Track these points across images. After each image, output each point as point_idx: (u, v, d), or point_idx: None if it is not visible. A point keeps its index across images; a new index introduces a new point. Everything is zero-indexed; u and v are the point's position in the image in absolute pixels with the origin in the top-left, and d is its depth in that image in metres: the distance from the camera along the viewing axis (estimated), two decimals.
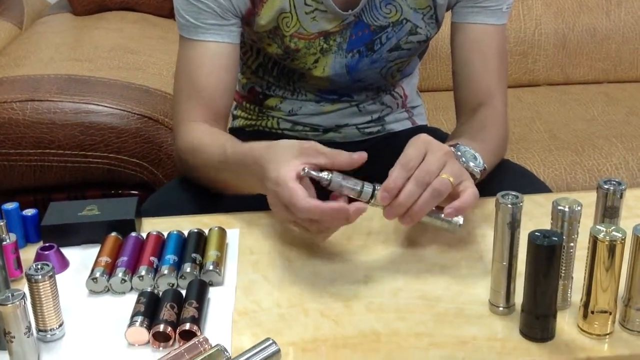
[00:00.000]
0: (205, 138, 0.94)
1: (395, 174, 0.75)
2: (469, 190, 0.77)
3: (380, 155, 0.88)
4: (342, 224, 0.77)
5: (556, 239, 0.65)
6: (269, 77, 1.14)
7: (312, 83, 1.11)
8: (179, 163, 1.02)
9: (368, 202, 0.76)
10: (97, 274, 0.77)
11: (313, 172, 0.75)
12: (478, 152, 0.86)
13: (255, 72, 1.15)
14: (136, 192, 1.39)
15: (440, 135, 1.03)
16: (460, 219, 0.78)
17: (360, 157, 0.77)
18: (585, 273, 0.68)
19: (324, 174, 0.75)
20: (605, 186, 0.74)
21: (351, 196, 0.76)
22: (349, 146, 1.17)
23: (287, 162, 0.76)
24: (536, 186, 1.03)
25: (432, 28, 1.07)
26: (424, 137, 0.79)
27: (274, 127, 1.18)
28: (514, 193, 0.69)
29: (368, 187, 0.76)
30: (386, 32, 1.05)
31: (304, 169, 0.74)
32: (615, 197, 0.73)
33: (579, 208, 0.68)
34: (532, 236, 0.65)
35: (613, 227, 0.65)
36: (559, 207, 0.68)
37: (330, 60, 1.06)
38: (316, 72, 1.08)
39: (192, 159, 0.95)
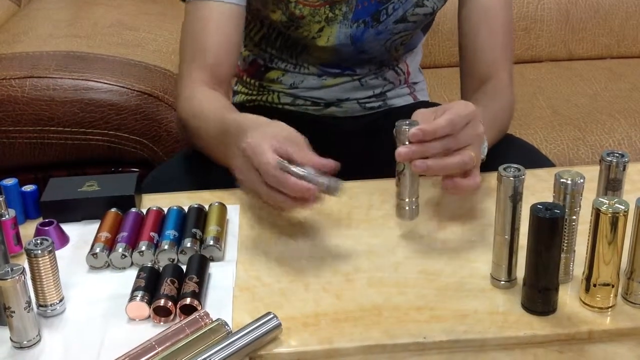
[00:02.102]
0: (205, 103, 0.94)
1: (442, 123, 0.74)
2: (475, 179, 0.78)
3: (380, 129, 0.87)
4: (301, 204, 0.75)
5: (558, 211, 0.64)
6: (272, 50, 1.13)
7: (315, 55, 1.10)
8: (179, 127, 1.01)
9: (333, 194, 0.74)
10: (97, 250, 0.76)
11: (289, 166, 0.73)
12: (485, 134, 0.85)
13: (258, 45, 1.14)
14: (136, 170, 1.38)
15: None
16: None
17: (329, 165, 0.74)
18: (587, 246, 0.67)
19: (298, 169, 0.73)
20: (608, 158, 0.73)
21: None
22: (349, 121, 1.17)
23: (269, 137, 0.75)
24: (539, 161, 1.02)
25: (439, 0, 1.06)
26: (476, 109, 0.78)
27: (275, 101, 1.17)
28: (516, 165, 0.68)
29: (334, 183, 0.73)
30: (392, 3, 1.04)
31: (280, 161, 0.73)
32: (618, 169, 0.73)
33: (582, 180, 0.68)
34: (534, 209, 0.65)
35: (616, 200, 0.65)
36: (562, 180, 0.68)
37: (335, 30, 1.05)
38: (320, 42, 1.06)
39: (191, 123, 0.95)
